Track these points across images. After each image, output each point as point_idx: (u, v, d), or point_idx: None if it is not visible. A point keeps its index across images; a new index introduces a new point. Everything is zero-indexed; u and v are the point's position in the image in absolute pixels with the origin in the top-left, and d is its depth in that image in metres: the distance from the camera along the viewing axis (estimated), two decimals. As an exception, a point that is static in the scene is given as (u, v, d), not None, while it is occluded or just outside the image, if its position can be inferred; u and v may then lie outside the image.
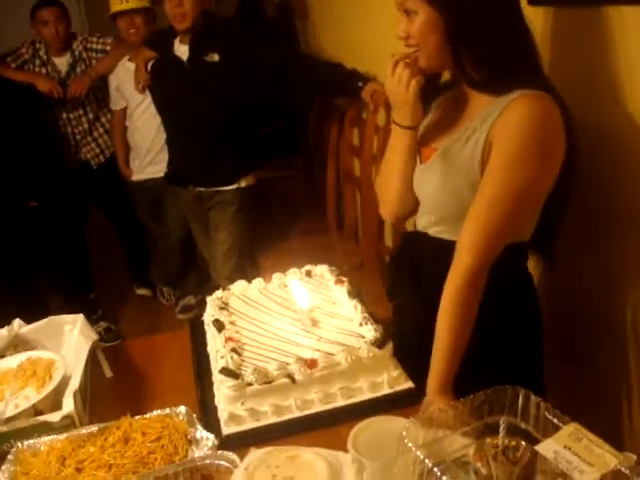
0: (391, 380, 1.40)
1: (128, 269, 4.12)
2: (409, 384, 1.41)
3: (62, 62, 3.43)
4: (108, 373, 1.67)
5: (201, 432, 1.28)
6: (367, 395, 1.39)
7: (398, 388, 1.40)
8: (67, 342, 1.69)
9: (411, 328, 1.56)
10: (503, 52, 1.33)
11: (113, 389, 1.63)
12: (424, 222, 1.52)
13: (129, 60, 3.28)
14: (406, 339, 1.50)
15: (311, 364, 1.37)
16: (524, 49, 1.36)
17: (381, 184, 1.60)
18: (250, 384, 1.35)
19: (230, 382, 1.35)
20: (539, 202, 1.38)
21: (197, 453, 1.24)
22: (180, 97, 2.94)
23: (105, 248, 4.17)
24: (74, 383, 1.42)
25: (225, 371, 1.37)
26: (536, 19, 1.47)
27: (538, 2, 1.62)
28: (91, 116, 3.54)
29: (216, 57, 2.84)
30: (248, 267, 3.14)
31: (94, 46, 3.46)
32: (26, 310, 3.39)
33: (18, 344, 1.71)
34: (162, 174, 3.26)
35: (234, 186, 3.04)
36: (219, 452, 1.22)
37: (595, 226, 1.66)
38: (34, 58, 3.40)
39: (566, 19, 1.61)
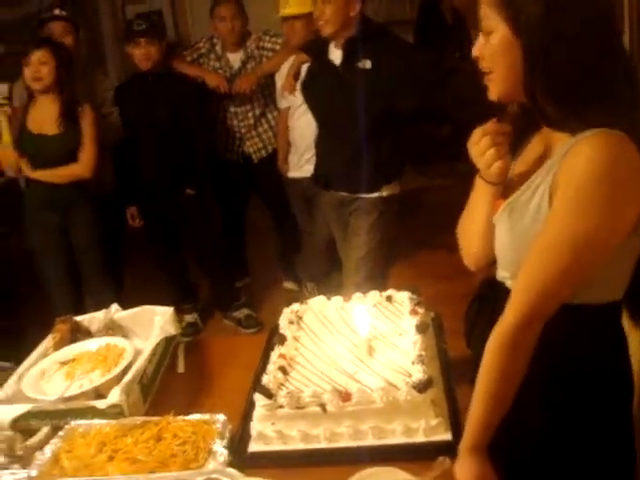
0: (428, 428, 1.32)
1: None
2: (447, 436, 1.33)
3: (235, 58, 3.61)
4: (180, 368, 1.75)
5: (219, 445, 1.30)
6: (399, 439, 1.33)
7: (434, 438, 1.32)
8: (154, 332, 1.79)
9: None
10: (583, 87, 1.15)
11: (182, 384, 1.71)
12: (500, 274, 1.40)
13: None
14: None
15: (345, 397, 1.33)
16: (611, 84, 1.18)
17: (462, 232, 1.47)
18: (282, 406, 1.34)
19: (263, 401, 1.36)
20: (606, 257, 1.18)
21: (212, 464, 1.27)
22: (330, 101, 2.96)
23: (267, 238, 4.34)
24: (129, 375, 1.51)
25: (261, 389, 1.38)
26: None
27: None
28: (257, 112, 3.70)
29: (368, 64, 2.82)
30: (380, 277, 3.10)
31: (266, 44, 3.60)
32: (177, 291, 3.69)
33: (113, 327, 1.85)
34: (315, 174, 3.31)
35: (375, 194, 3.01)
36: (227, 469, 1.23)
37: None
38: (210, 52, 3.61)
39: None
